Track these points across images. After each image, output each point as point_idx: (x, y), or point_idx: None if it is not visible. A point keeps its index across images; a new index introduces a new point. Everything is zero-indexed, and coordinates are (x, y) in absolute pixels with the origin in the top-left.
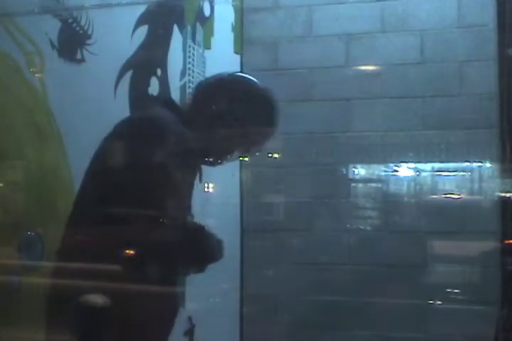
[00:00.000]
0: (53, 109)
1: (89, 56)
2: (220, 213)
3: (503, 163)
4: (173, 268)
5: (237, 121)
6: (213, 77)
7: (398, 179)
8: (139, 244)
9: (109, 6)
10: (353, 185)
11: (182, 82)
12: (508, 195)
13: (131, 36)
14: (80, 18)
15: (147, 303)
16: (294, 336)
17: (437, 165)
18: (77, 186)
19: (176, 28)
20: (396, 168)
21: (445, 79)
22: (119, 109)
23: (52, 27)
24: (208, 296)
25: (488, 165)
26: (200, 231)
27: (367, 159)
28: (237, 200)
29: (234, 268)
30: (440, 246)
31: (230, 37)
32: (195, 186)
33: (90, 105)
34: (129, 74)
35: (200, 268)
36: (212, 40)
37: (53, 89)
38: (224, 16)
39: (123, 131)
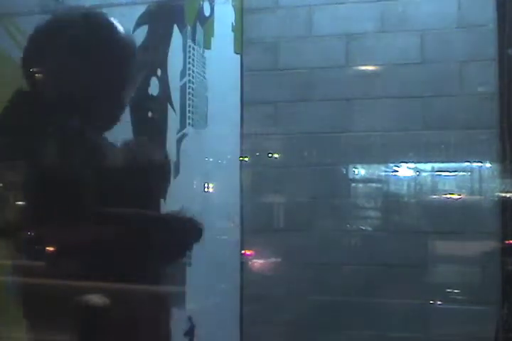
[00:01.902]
0: None
1: None
2: (220, 213)
3: (503, 163)
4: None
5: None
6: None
7: (398, 179)
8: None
9: (109, 6)
10: (353, 185)
11: (182, 82)
12: (508, 195)
13: None
14: None
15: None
16: (294, 336)
17: (437, 165)
18: None
19: (175, 28)
20: (396, 168)
21: (445, 79)
22: None
23: None
24: (208, 296)
25: (488, 165)
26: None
27: (367, 159)
28: (237, 200)
29: (234, 268)
30: (440, 246)
31: (230, 37)
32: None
33: None
34: None
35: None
36: (212, 40)
37: None
38: (224, 16)
39: None
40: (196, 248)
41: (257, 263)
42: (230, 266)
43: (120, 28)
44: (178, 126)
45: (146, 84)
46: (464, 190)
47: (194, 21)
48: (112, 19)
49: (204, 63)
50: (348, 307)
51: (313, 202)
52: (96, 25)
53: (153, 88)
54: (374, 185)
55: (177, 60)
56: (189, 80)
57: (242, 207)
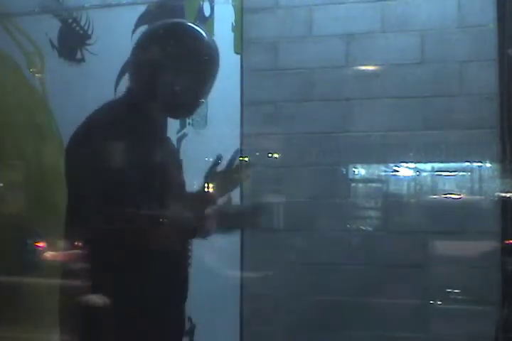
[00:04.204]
0: (53, 109)
1: (89, 56)
2: None
3: (503, 163)
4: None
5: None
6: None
7: (398, 179)
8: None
9: (109, 6)
10: (353, 185)
11: None
12: (508, 195)
13: (131, 36)
14: (80, 18)
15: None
16: (294, 336)
17: (437, 165)
18: None
19: None
20: (396, 168)
21: (445, 79)
22: None
23: (52, 27)
24: (208, 296)
25: (488, 165)
26: None
27: (367, 159)
28: (237, 200)
29: (234, 268)
30: (440, 246)
31: (230, 37)
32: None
33: (90, 105)
34: None
35: None
36: None
37: (53, 89)
38: (224, 16)
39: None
40: (196, 248)
41: (257, 263)
42: (230, 265)
43: (208, 38)
44: (178, 126)
45: None
46: (464, 190)
47: (194, 21)
48: (200, 30)
49: None
50: (348, 307)
51: (313, 202)
52: (187, 35)
53: None
54: (374, 185)
55: None
56: None
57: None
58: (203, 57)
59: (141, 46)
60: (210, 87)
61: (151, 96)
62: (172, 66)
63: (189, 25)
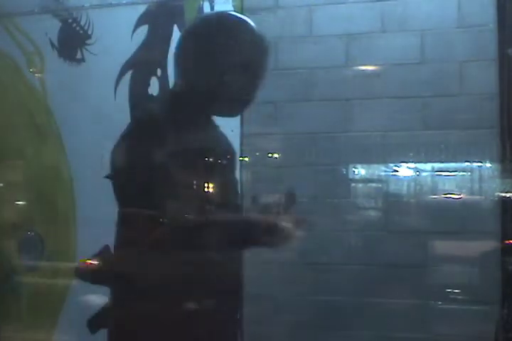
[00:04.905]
0: (53, 109)
1: (89, 56)
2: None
3: (503, 163)
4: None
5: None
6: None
7: (398, 179)
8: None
9: (109, 6)
10: (353, 185)
11: None
12: (508, 195)
13: (131, 36)
14: (80, 18)
15: None
16: (294, 336)
17: (437, 165)
18: (76, 186)
19: (175, 28)
20: (396, 168)
21: (445, 79)
22: (119, 109)
23: (52, 27)
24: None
25: (488, 165)
26: None
27: (367, 159)
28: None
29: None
30: (440, 246)
31: None
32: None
33: (90, 105)
34: (129, 74)
35: None
36: None
37: (53, 89)
38: None
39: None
40: None
41: (257, 263)
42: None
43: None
44: None
45: (146, 84)
46: (464, 190)
47: None
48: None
49: None
50: (348, 307)
51: (313, 202)
52: (238, 28)
53: (153, 88)
54: (374, 185)
55: None
56: None
57: (242, 207)
58: (258, 49)
59: (189, 39)
60: (262, 82)
61: (205, 93)
62: (228, 60)
63: (240, 16)
